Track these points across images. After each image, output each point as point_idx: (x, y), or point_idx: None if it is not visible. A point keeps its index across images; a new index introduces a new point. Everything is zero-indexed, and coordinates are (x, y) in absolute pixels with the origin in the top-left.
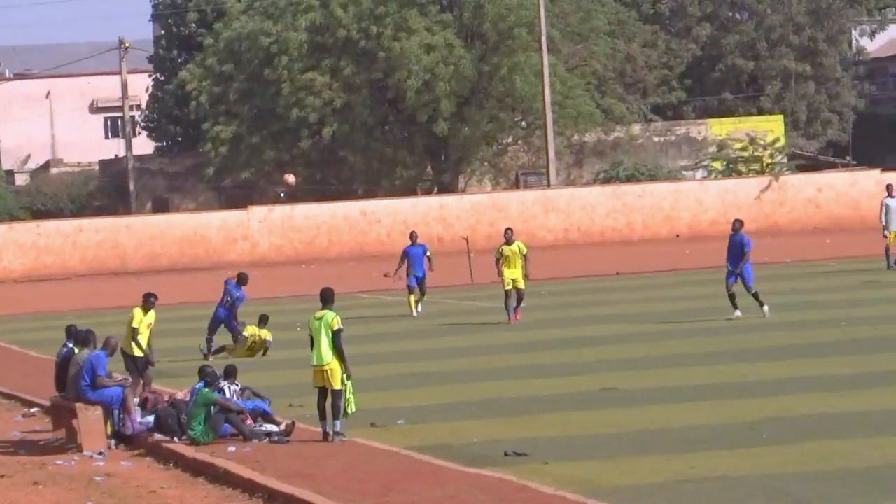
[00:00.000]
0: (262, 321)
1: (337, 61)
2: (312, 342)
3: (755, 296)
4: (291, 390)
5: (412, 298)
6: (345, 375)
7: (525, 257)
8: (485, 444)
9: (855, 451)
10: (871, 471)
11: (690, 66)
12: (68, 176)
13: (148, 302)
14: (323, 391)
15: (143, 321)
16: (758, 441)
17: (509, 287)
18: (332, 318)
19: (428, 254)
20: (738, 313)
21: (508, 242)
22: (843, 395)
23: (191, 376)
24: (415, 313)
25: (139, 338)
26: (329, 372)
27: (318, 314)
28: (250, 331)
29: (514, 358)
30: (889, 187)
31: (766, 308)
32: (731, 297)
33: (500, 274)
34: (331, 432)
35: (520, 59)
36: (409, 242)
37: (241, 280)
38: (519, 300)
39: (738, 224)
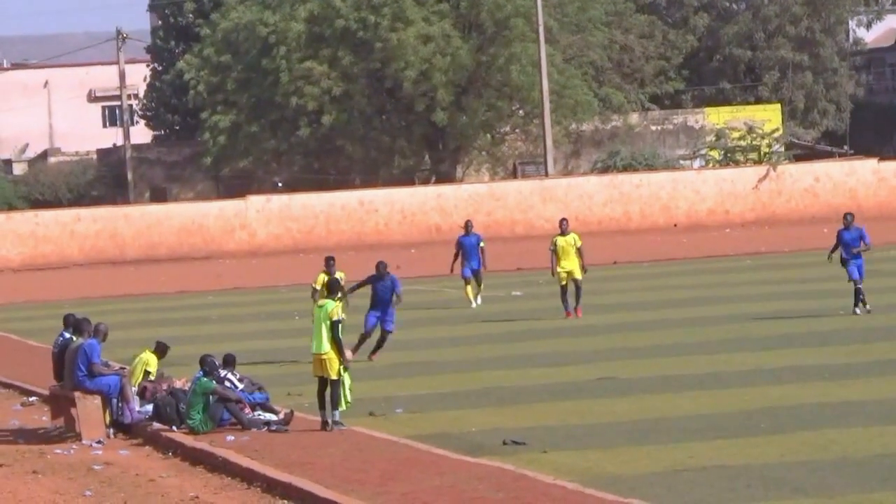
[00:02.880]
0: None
1: (335, 51)
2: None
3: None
4: (290, 379)
5: (469, 290)
6: (341, 367)
7: (580, 250)
8: (483, 433)
9: (853, 441)
10: (869, 460)
11: (688, 56)
12: (66, 165)
13: (162, 351)
14: (322, 380)
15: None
16: (756, 430)
17: (564, 281)
18: (332, 308)
19: (482, 244)
20: (868, 308)
21: (563, 233)
22: (841, 385)
23: (190, 365)
24: (474, 305)
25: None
26: (327, 361)
27: (321, 302)
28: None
29: (512, 347)
30: None
31: (862, 308)
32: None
33: (554, 266)
34: (329, 421)
35: (517, 49)
36: (464, 231)
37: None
38: (578, 295)
39: (850, 218)
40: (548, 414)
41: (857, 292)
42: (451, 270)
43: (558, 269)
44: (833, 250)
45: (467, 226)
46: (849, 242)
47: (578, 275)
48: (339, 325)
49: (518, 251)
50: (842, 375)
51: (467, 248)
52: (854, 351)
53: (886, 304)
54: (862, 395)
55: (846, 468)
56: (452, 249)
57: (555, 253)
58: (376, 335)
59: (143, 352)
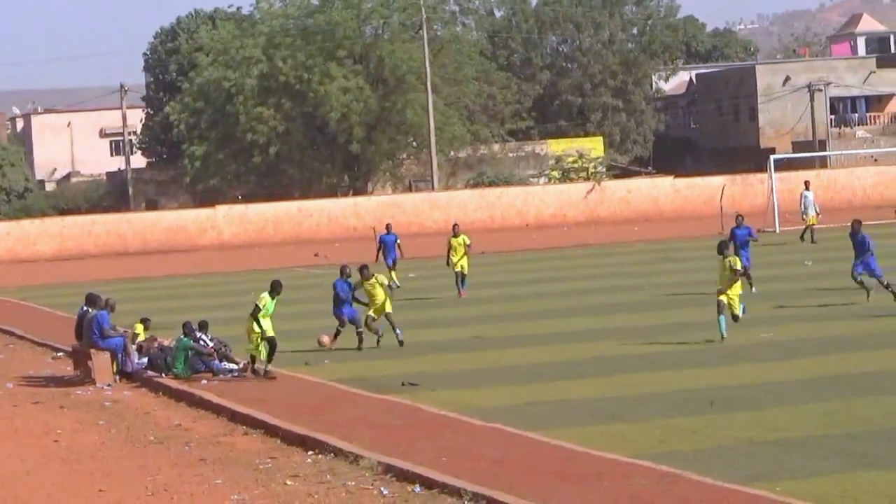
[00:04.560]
0: (144, 322)
1: (279, 99)
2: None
3: (888, 286)
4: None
5: (394, 274)
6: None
7: (468, 247)
8: (387, 378)
9: (657, 381)
10: (670, 394)
11: (535, 101)
12: (84, 184)
13: (145, 322)
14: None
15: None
16: (586, 374)
17: (458, 269)
18: (259, 297)
19: (398, 241)
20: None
21: (455, 235)
22: (650, 340)
23: (174, 329)
24: (396, 285)
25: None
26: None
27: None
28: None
29: (409, 315)
30: (806, 183)
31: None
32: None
33: (449, 260)
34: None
35: (411, 97)
36: (385, 231)
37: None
38: (464, 280)
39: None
40: (435, 363)
41: (748, 277)
42: (376, 259)
43: (452, 261)
44: (729, 241)
45: (388, 227)
46: (739, 237)
47: (465, 268)
48: (256, 311)
49: (414, 245)
50: (649, 334)
51: (387, 244)
52: (659, 316)
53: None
54: (661, 349)
55: (652, 401)
56: (370, 244)
57: (449, 251)
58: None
59: (136, 323)
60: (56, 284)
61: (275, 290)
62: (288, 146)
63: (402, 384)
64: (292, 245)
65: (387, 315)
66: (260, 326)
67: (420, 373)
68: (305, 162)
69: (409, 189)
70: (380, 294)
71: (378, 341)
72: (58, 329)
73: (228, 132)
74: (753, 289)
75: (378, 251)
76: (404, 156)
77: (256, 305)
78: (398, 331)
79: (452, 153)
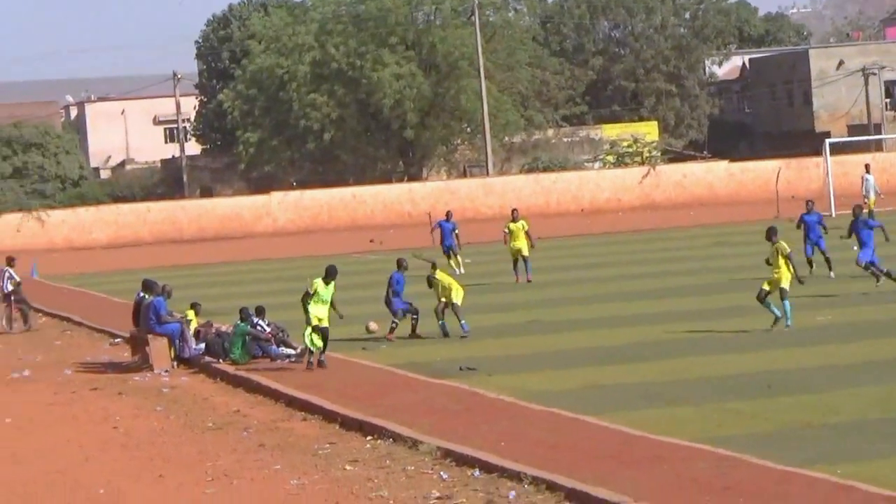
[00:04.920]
0: (193, 306)
1: (332, 86)
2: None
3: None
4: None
5: (451, 262)
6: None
7: (527, 232)
8: (444, 362)
9: (711, 365)
10: (724, 378)
11: (588, 87)
12: (139, 171)
13: (195, 308)
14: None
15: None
16: (642, 358)
17: (515, 256)
18: (311, 283)
19: (456, 231)
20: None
21: (514, 220)
22: (708, 323)
23: (231, 314)
24: (459, 271)
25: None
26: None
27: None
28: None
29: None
30: (867, 166)
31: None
32: (810, 262)
33: (508, 243)
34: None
35: (464, 83)
36: (445, 218)
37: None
38: (526, 265)
39: (811, 204)
40: (492, 348)
41: (827, 262)
42: (433, 242)
43: (511, 246)
44: (798, 226)
45: (448, 215)
46: (809, 223)
47: (526, 251)
48: (306, 295)
49: (468, 231)
50: (705, 318)
51: (445, 230)
52: (715, 300)
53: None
54: (717, 333)
55: (708, 385)
56: (424, 230)
57: (507, 234)
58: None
59: (188, 309)
60: (112, 272)
61: (329, 275)
62: (342, 132)
63: (460, 369)
64: (347, 231)
65: (453, 306)
66: (306, 312)
67: (477, 357)
68: (360, 148)
69: (464, 174)
70: (448, 282)
71: (443, 330)
72: (115, 315)
73: (282, 119)
74: (832, 273)
75: (432, 232)
76: (458, 141)
77: (307, 290)
78: (463, 322)
79: (507, 138)
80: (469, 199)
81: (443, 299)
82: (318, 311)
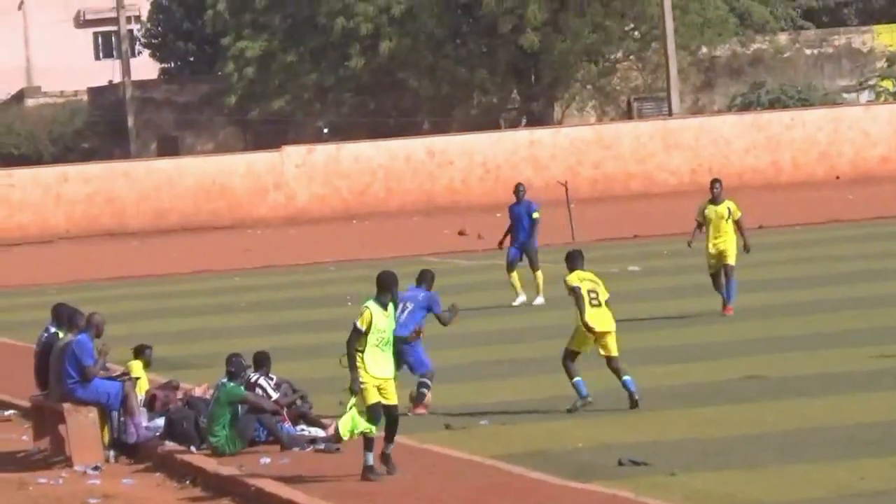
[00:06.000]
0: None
1: None
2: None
3: None
4: (337, 383)
5: (514, 276)
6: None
7: (738, 224)
8: (592, 451)
9: None
10: None
11: None
12: (49, 109)
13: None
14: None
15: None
16: None
17: (714, 269)
18: (361, 310)
19: (535, 215)
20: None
21: (715, 201)
22: None
23: (212, 367)
24: (520, 299)
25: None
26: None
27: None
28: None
29: (628, 338)
30: None
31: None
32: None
33: (696, 240)
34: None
35: None
36: (515, 198)
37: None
38: (729, 287)
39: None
40: (675, 424)
41: None
42: (500, 246)
43: (709, 250)
44: None
45: (518, 190)
46: None
47: (732, 259)
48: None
49: (634, 213)
50: None
51: (518, 218)
52: None
53: None
54: None
55: None
56: (550, 213)
57: (702, 227)
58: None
59: (131, 359)
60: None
61: (386, 290)
62: (411, 40)
63: (620, 462)
64: (417, 215)
65: (609, 360)
66: (352, 367)
67: (649, 443)
68: (442, 68)
69: (628, 115)
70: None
71: (578, 402)
72: (3, 368)
73: (304, 16)
74: None
75: (505, 234)
76: (618, 55)
77: (355, 325)
78: (631, 384)
79: (704, 50)
80: (635, 156)
81: (583, 347)
82: (379, 365)
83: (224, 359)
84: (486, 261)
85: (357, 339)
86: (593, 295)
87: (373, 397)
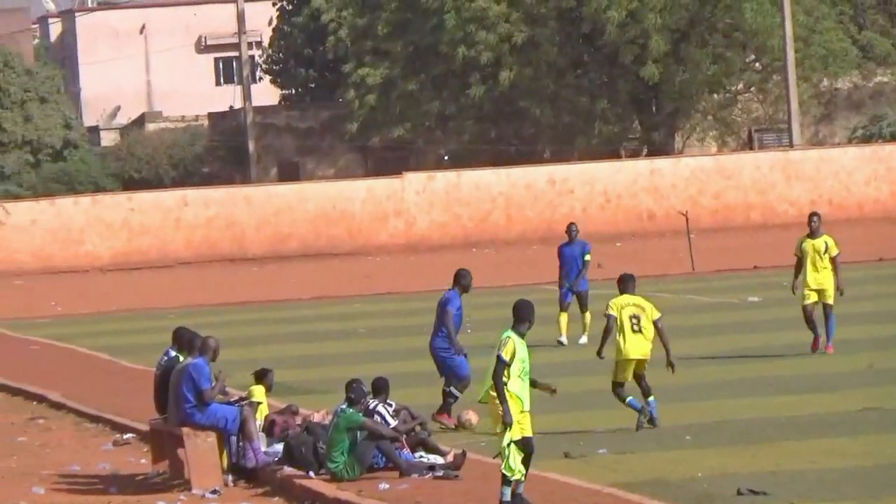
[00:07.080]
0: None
1: None
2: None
3: None
4: (457, 408)
5: (563, 318)
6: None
7: (834, 261)
8: (712, 480)
9: None
10: None
11: None
12: (169, 134)
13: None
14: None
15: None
16: None
17: (810, 301)
18: (501, 340)
19: (587, 257)
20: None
21: (812, 235)
22: None
23: (331, 392)
24: (564, 339)
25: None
26: (490, 408)
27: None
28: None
29: (746, 368)
30: None
31: None
32: None
33: (796, 280)
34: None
35: None
36: (567, 237)
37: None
38: (829, 325)
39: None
40: (795, 454)
41: None
42: (560, 286)
43: (809, 284)
44: None
45: (571, 230)
46: None
47: (832, 298)
48: (499, 364)
49: (755, 244)
50: None
51: (568, 260)
52: None
53: None
54: None
55: None
56: (669, 243)
57: (802, 262)
58: None
59: (253, 384)
60: (119, 313)
61: (524, 320)
62: (532, 69)
63: (739, 492)
64: (537, 243)
65: (636, 376)
66: (503, 399)
67: (769, 473)
68: (563, 97)
69: (749, 146)
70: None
71: (641, 418)
72: (122, 392)
73: (425, 44)
74: None
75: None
76: (739, 86)
77: (499, 356)
78: (650, 400)
79: (826, 83)
80: (756, 186)
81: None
82: (523, 396)
83: (343, 384)
84: (604, 290)
85: (503, 371)
86: (635, 321)
87: (524, 430)
